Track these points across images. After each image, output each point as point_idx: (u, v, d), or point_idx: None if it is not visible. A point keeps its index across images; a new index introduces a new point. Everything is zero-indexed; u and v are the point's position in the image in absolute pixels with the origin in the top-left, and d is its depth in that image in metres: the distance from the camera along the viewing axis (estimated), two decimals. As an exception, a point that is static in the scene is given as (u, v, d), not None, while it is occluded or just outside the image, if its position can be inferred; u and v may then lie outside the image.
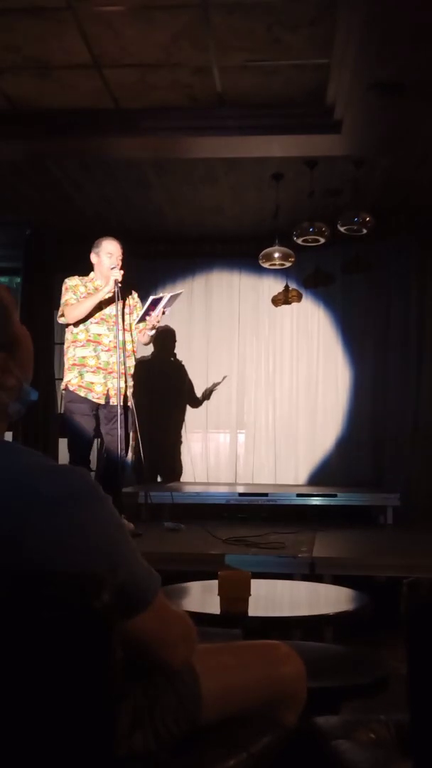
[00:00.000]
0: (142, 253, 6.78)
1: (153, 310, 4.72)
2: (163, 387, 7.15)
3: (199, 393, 7.23)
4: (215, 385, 7.21)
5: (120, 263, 4.66)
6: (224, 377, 7.22)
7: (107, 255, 4.69)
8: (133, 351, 4.86)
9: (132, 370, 4.82)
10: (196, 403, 7.22)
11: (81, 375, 4.65)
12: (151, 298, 4.77)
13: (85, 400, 4.66)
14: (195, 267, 7.44)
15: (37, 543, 1.08)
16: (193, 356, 7.33)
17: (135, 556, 1.21)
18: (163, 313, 4.76)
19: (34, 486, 1.10)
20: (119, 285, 4.57)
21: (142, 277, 6.60)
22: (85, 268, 4.84)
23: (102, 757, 1.07)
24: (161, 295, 4.81)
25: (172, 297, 4.78)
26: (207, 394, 7.20)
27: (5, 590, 1.06)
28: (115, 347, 4.63)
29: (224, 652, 1.51)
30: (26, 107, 4.65)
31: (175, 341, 7.18)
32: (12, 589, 1.07)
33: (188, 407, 7.26)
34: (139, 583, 1.21)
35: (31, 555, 1.07)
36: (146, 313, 4.72)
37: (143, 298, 4.92)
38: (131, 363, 4.81)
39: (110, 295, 4.58)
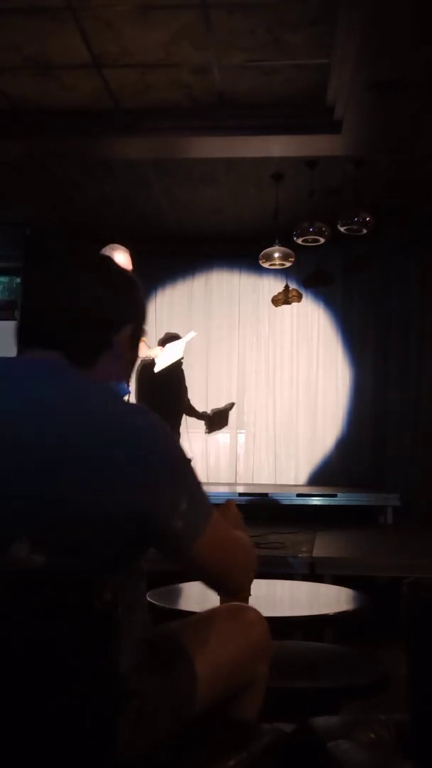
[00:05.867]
0: (141, 253, 6.77)
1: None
2: (163, 388, 7.13)
3: (197, 400, 7.19)
4: (219, 412, 7.16)
5: None
6: (232, 404, 7.13)
7: None
8: None
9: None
10: (193, 411, 7.17)
11: None
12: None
13: None
14: (195, 267, 7.44)
15: (125, 465, 1.19)
16: (193, 356, 7.30)
17: (198, 484, 1.30)
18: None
19: (123, 419, 1.24)
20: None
21: (141, 278, 6.58)
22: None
23: (103, 760, 1.07)
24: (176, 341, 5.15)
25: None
26: (211, 417, 7.16)
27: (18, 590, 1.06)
28: None
29: (202, 627, 1.57)
30: (26, 107, 4.65)
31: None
32: (16, 590, 1.07)
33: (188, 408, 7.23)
34: (198, 511, 1.27)
35: (121, 476, 1.19)
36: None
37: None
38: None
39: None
